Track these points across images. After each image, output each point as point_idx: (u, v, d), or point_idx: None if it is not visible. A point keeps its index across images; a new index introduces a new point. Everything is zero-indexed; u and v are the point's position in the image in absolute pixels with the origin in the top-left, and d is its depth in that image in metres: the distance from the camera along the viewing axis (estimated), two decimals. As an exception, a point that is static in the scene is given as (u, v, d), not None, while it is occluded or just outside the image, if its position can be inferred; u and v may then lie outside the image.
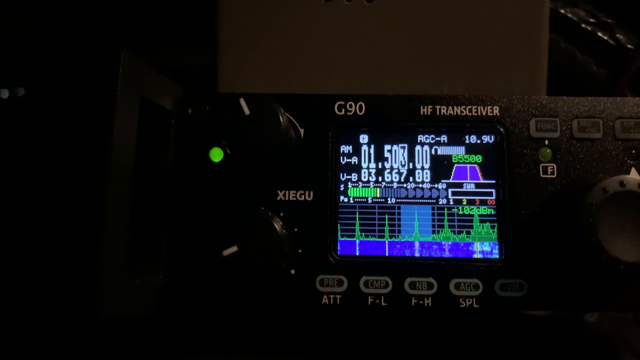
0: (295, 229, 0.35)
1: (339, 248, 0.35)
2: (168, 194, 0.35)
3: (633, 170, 0.35)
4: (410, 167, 0.36)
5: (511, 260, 0.34)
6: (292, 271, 0.35)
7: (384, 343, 0.37)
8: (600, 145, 0.35)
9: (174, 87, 0.36)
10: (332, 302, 0.34)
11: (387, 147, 0.37)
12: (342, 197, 0.36)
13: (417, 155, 0.36)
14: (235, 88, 0.40)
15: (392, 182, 0.36)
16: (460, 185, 0.36)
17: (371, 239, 0.36)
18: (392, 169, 0.36)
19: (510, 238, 0.35)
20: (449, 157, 0.36)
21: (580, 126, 0.36)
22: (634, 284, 0.34)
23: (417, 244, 0.35)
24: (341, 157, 0.37)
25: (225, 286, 0.34)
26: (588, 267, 0.32)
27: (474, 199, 0.36)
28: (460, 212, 0.36)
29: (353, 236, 0.36)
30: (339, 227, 0.36)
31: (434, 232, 0.35)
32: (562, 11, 0.49)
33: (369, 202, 0.36)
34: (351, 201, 0.36)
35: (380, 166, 0.36)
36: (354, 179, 0.36)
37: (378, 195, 0.36)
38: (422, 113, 0.36)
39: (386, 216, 0.36)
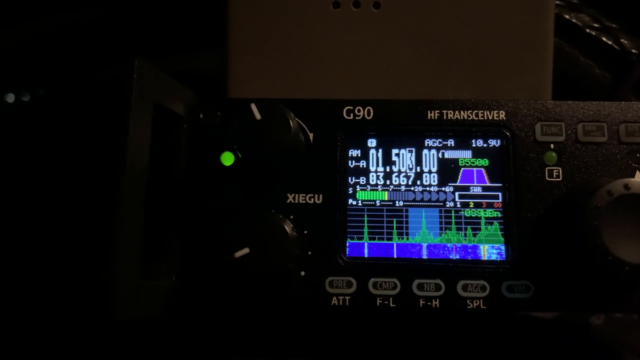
0: (305, 232, 0.36)
1: (347, 250, 0.36)
2: (180, 197, 0.36)
3: (638, 173, 0.36)
4: (418, 170, 0.37)
5: (517, 262, 0.35)
6: (302, 273, 0.35)
7: (392, 344, 0.38)
8: (605, 149, 0.36)
9: (185, 92, 0.37)
10: (341, 303, 0.35)
11: (394, 151, 0.37)
12: (350, 200, 0.37)
13: (424, 159, 0.37)
14: (245, 93, 0.40)
15: (399, 185, 0.37)
16: (467, 188, 0.36)
17: (379, 242, 0.36)
18: (399, 172, 0.37)
19: (516, 240, 0.35)
20: (455, 161, 0.37)
21: (585, 130, 0.36)
22: (639, 286, 0.34)
23: (424, 246, 0.36)
24: (350, 161, 0.37)
25: (237, 287, 0.35)
26: (593, 269, 0.32)
27: (481, 202, 0.36)
28: (467, 215, 0.36)
29: (362, 238, 0.36)
30: (347, 230, 0.36)
31: (441, 234, 0.36)
32: (567, 16, 0.50)
33: (377, 205, 0.37)
34: (360, 204, 0.37)
35: (388, 170, 0.37)
36: (363, 182, 0.37)
37: (386, 199, 0.37)
38: (429, 117, 0.37)
39: (394, 219, 0.36)
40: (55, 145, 0.34)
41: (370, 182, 0.37)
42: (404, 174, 0.37)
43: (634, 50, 0.49)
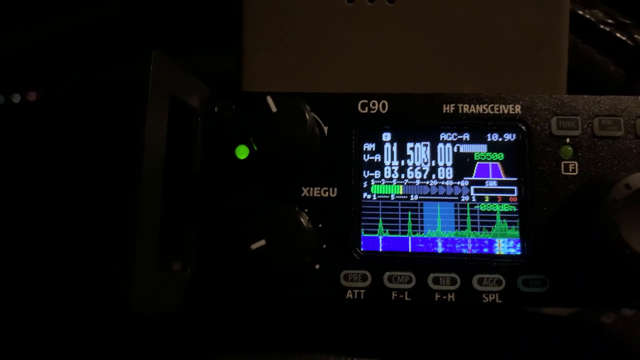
0: (320, 225, 0.36)
1: (362, 244, 0.36)
2: (195, 190, 0.36)
3: (655, 167, 0.35)
4: (433, 164, 0.37)
5: (533, 256, 0.35)
6: (317, 266, 0.35)
7: (407, 337, 0.38)
8: (621, 143, 0.36)
9: (200, 86, 0.37)
10: (356, 297, 0.35)
11: (409, 144, 0.37)
12: (365, 194, 0.37)
13: (439, 153, 0.37)
14: (258, 88, 0.40)
15: (414, 179, 0.37)
16: (482, 182, 0.36)
17: (394, 235, 0.36)
18: (414, 166, 0.37)
19: (532, 234, 0.35)
20: (471, 155, 0.37)
21: (602, 124, 0.36)
22: (656, 280, 0.34)
23: (439, 241, 0.36)
24: (364, 155, 0.37)
25: (252, 279, 0.35)
26: (611, 264, 0.32)
27: (496, 196, 0.36)
28: (483, 209, 0.36)
29: (376, 232, 0.36)
30: (362, 224, 0.36)
31: (456, 228, 0.36)
32: (580, 12, 0.49)
33: (392, 198, 0.37)
34: (374, 198, 0.37)
35: (402, 164, 0.37)
36: (377, 176, 0.37)
37: (401, 192, 0.37)
38: (444, 111, 0.37)
39: (409, 213, 0.36)
40: (74, 140, 0.35)
41: (385, 175, 0.37)
42: (419, 167, 0.37)
43: (648, 47, 0.49)
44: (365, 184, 0.37)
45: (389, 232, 0.36)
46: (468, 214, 0.36)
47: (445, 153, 0.37)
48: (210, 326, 0.38)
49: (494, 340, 0.40)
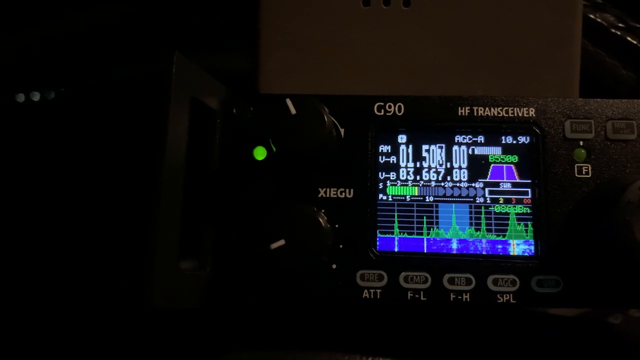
0: (336, 225, 0.36)
1: (378, 244, 0.37)
2: (214, 189, 0.37)
3: (668, 170, 0.36)
4: (448, 166, 0.37)
5: (547, 257, 0.35)
6: (334, 265, 0.36)
7: (423, 336, 0.38)
8: (634, 146, 0.36)
9: (219, 87, 0.38)
10: (372, 297, 0.35)
11: (425, 146, 0.38)
12: (381, 195, 0.37)
13: (454, 155, 0.37)
14: (275, 89, 0.41)
15: (430, 180, 0.37)
16: (497, 184, 0.37)
17: (410, 236, 0.37)
18: (430, 168, 0.38)
19: (545, 236, 0.36)
20: (485, 157, 0.37)
21: (615, 127, 0.36)
22: (669, 281, 0.34)
23: (455, 241, 0.36)
24: (380, 157, 0.38)
25: (270, 278, 0.35)
26: (624, 265, 0.33)
27: (510, 198, 0.37)
28: (497, 211, 0.37)
29: (392, 233, 0.37)
30: (378, 224, 0.37)
31: (471, 229, 0.36)
32: (592, 16, 0.50)
33: (407, 200, 0.37)
34: (390, 199, 0.37)
35: (418, 165, 0.38)
36: (393, 177, 0.37)
37: (416, 194, 0.37)
38: (459, 114, 0.37)
39: (424, 214, 0.37)
40: (93, 138, 0.35)
41: (401, 177, 0.37)
42: (434, 169, 0.37)
43: (659, 50, 0.49)
44: (381, 185, 0.37)
45: (404, 233, 0.37)
46: (483, 215, 0.37)
47: (460, 155, 0.37)
48: (228, 323, 0.39)
49: (504, 339, 0.40)
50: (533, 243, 0.36)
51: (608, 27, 0.50)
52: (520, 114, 0.37)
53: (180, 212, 0.33)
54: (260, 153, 0.37)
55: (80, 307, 0.35)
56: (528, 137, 0.37)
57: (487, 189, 0.37)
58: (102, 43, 0.47)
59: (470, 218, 0.37)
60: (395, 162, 0.38)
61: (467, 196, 0.37)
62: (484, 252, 0.36)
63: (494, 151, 0.37)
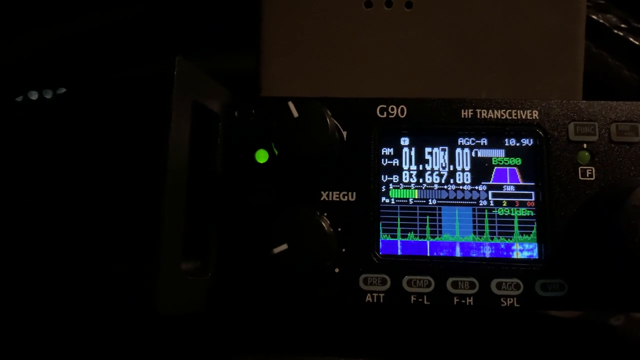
0: (339, 229, 0.36)
1: (381, 248, 0.36)
2: (216, 193, 0.37)
3: (672, 173, 0.36)
4: (451, 169, 0.37)
5: (551, 260, 0.35)
6: (337, 269, 0.36)
7: (427, 340, 0.38)
8: (638, 149, 0.36)
9: (221, 90, 0.38)
10: (375, 300, 0.35)
11: (427, 149, 0.38)
12: (383, 198, 0.37)
13: (457, 158, 0.37)
14: (277, 92, 0.41)
15: (432, 183, 0.37)
16: (500, 187, 0.37)
17: (413, 240, 0.36)
18: (432, 170, 0.37)
19: (549, 239, 0.35)
20: (489, 160, 0.37)
21: (619, 130, 0.36)
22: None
23: (458, 245, 0.36)
24: (383, 159, 0.38)
25: (274, 282, 0.35)
26: (629, 268, 0.33)
27: (514, 201, 0.36)
28: (501, 214, 0.36)
29: (395, 236, 0.37)
30: (381, 228, 0.37)
31: (474, 232, 0.36)
32: (594, 17, 0.50)
33: (410, 203, 0.37)
34: (393, 202, 0.37)
35: (421, 168, 0.37)
36: (396, 180, 0.37)
37: (419, 197, 0.37)
38: (462, 116, 0.37)
39: (427, 217, 0.37)
40: (99, 142, 0.35)
41: (404, 180, 0.37)
42: (437, 172, 0.37)
43: (662, 51, 0.49)
44: (383, 188, 0.37)
45: (407, 236, 0.36)
46: (486, 219, 0.36)
47: (464, 158, 0.37)
48: (231, 327, 0.38)
49: (508, 343, 0.40)
50: (537, 246, 0.36)
51: (611, 28, 0.50)
52: (523, 117, 0.37)
53: (183, 217, 0.33)
54: (262, 156, 0.37)
55: (83, 313, 0.35)
56: (531, 140, 0.37)
57: (490, 192, 0.37)
58: (106, 45, 0.47)
59: (474, 221, 0.36)
60: (398, 164, 0.37)
61: (471, 199, 0.37)
62: (488, 256, 0.36)
63: (497, 154, 0.37)
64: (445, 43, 0.40)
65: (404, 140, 0.38)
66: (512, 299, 0.35)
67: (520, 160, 0.37)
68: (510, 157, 0.37)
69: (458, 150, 0.37)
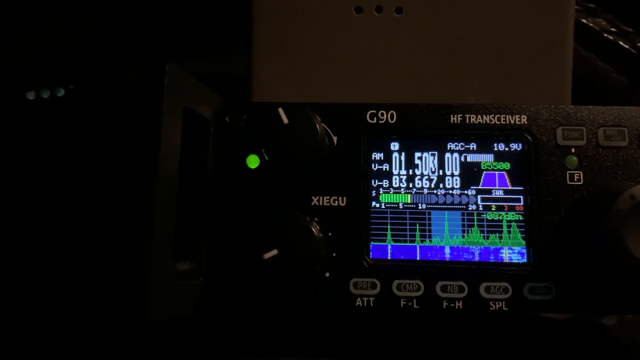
0: (329, 234, 0.36)
1: (371, 252, 0.37)
2: (207, 198, 0.37)
3: (658, 177, 0.36)
4: (441, 173, 0.38)
5: (539, 264, 0.36)
6: (327, 274, 0.36)
7: (416, 344, 0.39)
8: (625, 153, 0.36)
9: (212, 96, 0.38)
10: (365, 305, 0.36)
11: (417, 154, 0.38)
12: (374, 203, 0.37)
13: (447, 163, 0.38)
14: (268, 97, 0.41)
15: (422, 188, 0.37)
16: (489, 191, 0.37)
17: (402, 244, 0.37)
18: (422, 175, 0.38)
19: (538, 243, 0.36)
20: (478, 164, 0.37)
21: (606, 135, 0.37)
22: (660, 288, 0.35)
23: (447, 249, 0.37)
24: (373, 164, 0.38)
25: (264, 287, 0.36)
26: (615, 272, 0.33)
27: (503, 205, 0.37)
28: (490, 218, 0.37)
29: (385, 241, 0.37)
30: (371, 232, 0.37)
31: (464, 237, 0.37)
32: (584, 20, 0.50)
33: (400, 207, 0.37)
34: (383, 207, 0.37)
35: (411, 173, 0.38)
36: (386, 185, 0.38)
37: (409, 201, 0.37)
38: (452, 121, 0.37)
39: (417, 222, 0.37)
40: (89, 149, 0.35)
41: (394, 184, 0.38)
42: (427, 177, 0.38)
43: (651, 55, 0.50)
44: (374, 193, 0.37)
45: (397, 240, 0.37)
46: (475, 223, 0.37)
47: (453, 162, 0.38)
48: (222, 332, 0.39)
49: (499, 344, 0.41)
50: (525, 250, 0.36)
51: (600, 32, 0.50)
52: (512, 122, 0.37)
53: (174, 221, 0.33)
54: (253, 161, 0.38)
55: (73, 316, 0.35)
56: (520, 145, 0.37)
57: (479, 196, 0.37)
58: (97, 47, 0.47)
59: (463, 225, 0.37)
60: (388, 169, 0.38)
61: (460, 203, 0.37)
62: (477, 259, 0.36)
63: (486, 158, 0.37)
64: (435, 48, 0.41)
65: (394, 145, 0.38)
66: (500, 302, 0.35)
67: (509, 165, 0.37)
68: (499, 161, 0.37)
69: (447, 155, 0.38)
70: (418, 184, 0.38)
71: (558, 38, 0.41)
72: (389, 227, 0.37)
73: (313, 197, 0.37)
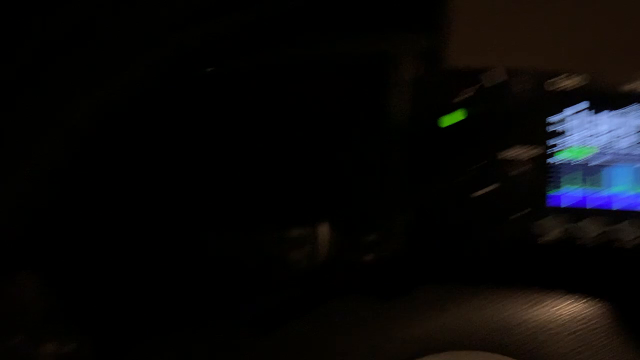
0: (518, 181, 0.43)
1: (554, 199, 0.43)
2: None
3: None
4: (620, 132, 0.43)
5: None
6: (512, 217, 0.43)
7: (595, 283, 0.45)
8: None
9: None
10: (546, 244, 0.42)
11: (601, 115, 0.43)
12: (558, 156, 0.43)
13: (626, 123, 0.43)
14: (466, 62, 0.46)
15: (602, 145, 0.43)
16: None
17: (582, 193, 0.43)
18: (604, 133, 0.43)
19: None
20: None
21: None
22: None
23: (621, 197, 0.42)
24: (559, 123, 0.43)
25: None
26: None
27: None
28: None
29: (568, 189, 0.43)
30: (553, 182, 0.43)
31: (637, 187, 0.42)
32: None
33: (581, 161, 0.43)
34: (566, 160, 0.43)
35: (594, 130, 0.43)
36: (571, 140, 0.43)
37: (590, 155, 0.43)
38: (633, 87, 0.42)
39: (596, 174, 0.43)
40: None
41: (574, 142, 0.43)
42: (606, 135, 0.43)
43: None
44: (559, 147, 0.43)
45: (577, 189, 0.43)
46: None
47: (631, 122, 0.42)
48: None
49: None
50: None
51: None
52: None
53: None
54: (447, 120, 0.44)
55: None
56: None
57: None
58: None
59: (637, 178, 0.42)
60: (569, 128, 0.43)
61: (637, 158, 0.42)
62: (646, 207, 0.42)
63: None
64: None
65: (576, 107, 0.43)
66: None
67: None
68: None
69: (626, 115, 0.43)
70: (601, 140, 0.43)
71: None
72: (571, 177, 0.43)
73: (503, 151, 0.43)
